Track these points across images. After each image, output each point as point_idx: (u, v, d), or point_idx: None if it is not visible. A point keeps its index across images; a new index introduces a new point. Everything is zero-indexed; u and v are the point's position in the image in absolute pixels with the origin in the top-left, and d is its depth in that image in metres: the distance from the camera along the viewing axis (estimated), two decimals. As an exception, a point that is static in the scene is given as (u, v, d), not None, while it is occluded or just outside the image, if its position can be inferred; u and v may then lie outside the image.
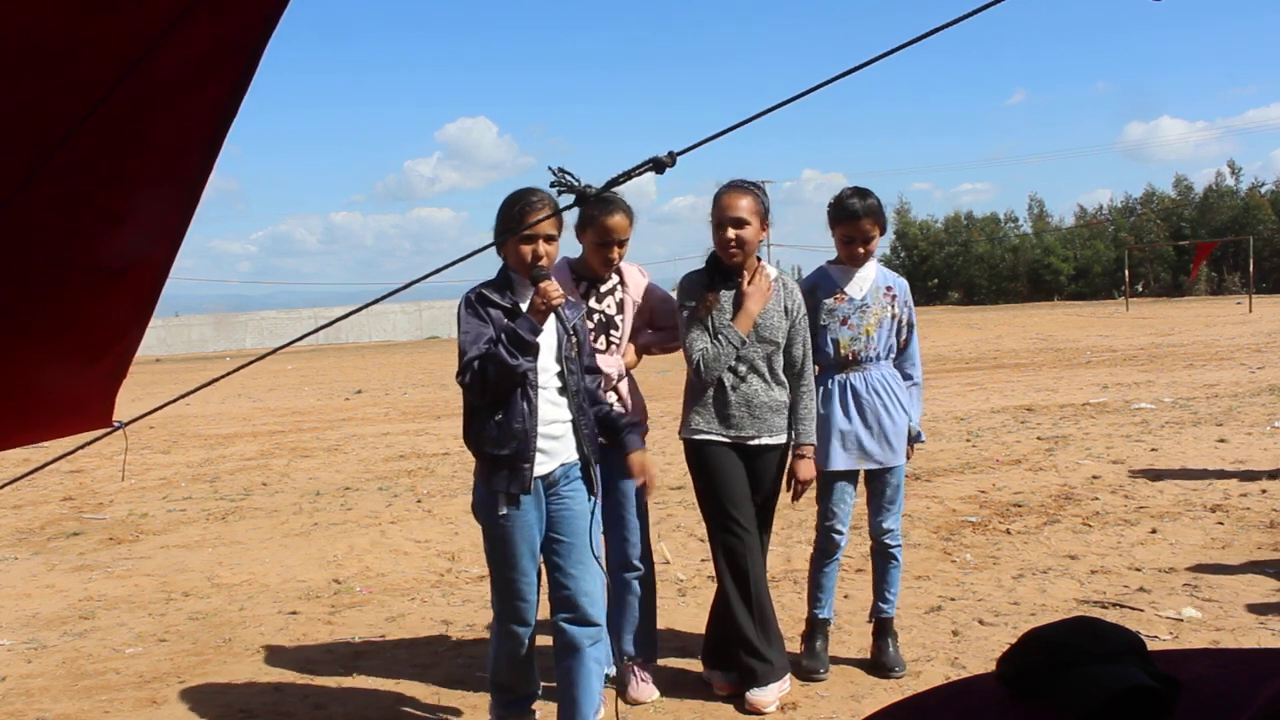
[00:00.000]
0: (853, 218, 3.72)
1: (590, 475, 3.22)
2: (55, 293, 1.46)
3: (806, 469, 3.69)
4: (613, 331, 3.66)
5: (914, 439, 3.91)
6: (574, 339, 3.21)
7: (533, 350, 3.02)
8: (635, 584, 3.76)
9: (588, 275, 3.65)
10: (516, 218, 3.09)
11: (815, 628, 3.93)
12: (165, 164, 1.29)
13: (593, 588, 3.20)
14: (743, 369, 3.59)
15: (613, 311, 3.67)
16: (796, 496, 3.74)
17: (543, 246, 3.08)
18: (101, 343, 1.62)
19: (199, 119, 1.21)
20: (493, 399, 3.06)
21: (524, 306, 3.09)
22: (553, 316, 3.08)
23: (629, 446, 3.28)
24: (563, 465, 3.17)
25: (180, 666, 4.30)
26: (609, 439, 3.34)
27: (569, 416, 3.17)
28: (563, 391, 3.16)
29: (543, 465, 3.11)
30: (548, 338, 3.10)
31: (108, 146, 1.20)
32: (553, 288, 3.02)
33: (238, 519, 7.32)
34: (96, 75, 1.10)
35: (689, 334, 3.65)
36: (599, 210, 3.48)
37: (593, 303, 3.63)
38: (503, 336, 2.99)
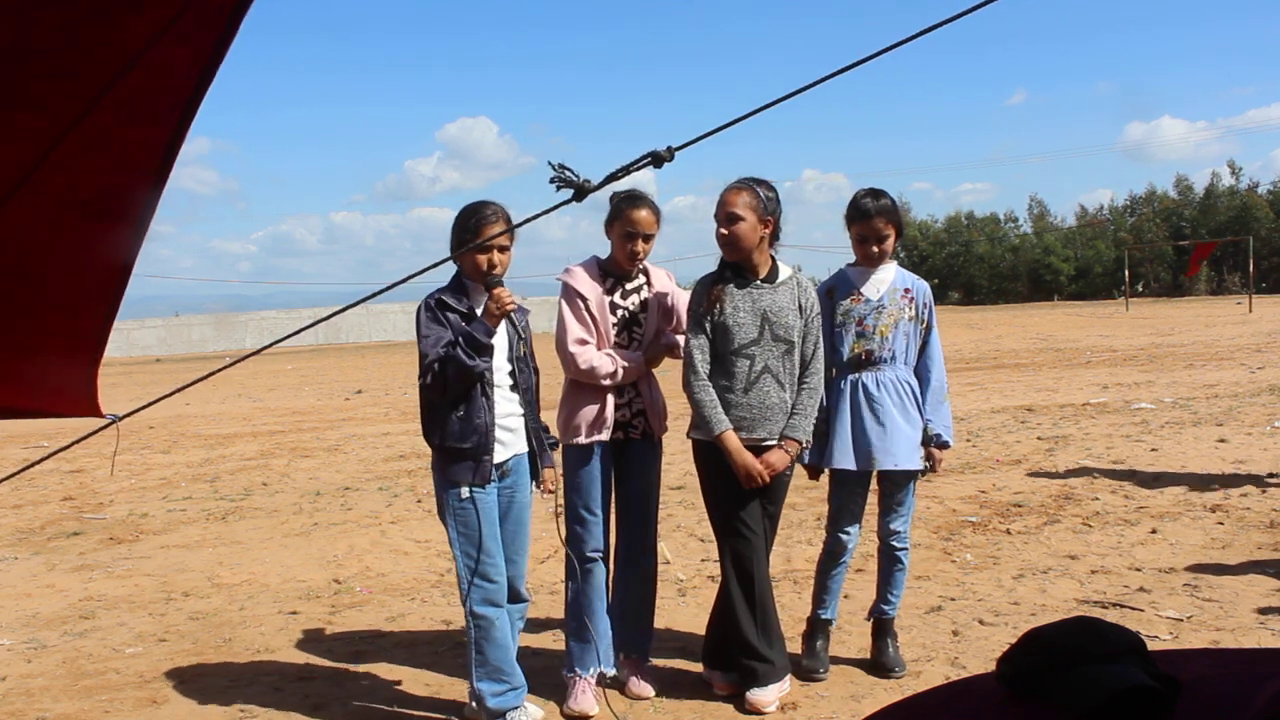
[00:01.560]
0: (865, 216, 3.75)
1: (536, 465, 3.57)
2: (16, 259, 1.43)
3: (779, 459, 3.55)
4: (635, 328, 3.73)
5: (934, 442, 3.83)
6: (523, 339, 3.51)
7: (488, 351, 3.30)
8: (640, 578, 3.79)
9: (614, 272, 3.73)
10: (473, 229, 3.36)
11: (816, 628, 3.92)
12: (137, 124, 1.26)
13: (525, 570, 3.58)
14: (756, 370, 3.57)
15: (636, 309, 3.74)
16: (749, 481, 3.52)
17: (496, 256, 3.35)
18: (71, 325, 1.60)
19: (179, 75, 1.17)
20: (452, 397, 3.32)
21: (479, 311, 3.36)
22: (506, 319, 3.37)
23: (545, 462, 3.61)
24: (515, 456, 3.47)
25: (180, 666, 4.30)
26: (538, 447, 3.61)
27: (520, 411, 3.48)
28: (514, 388, 3.47)
29: (498, 455, 3.40)
30: (500, 339, 3.39)
31: (82, 107, 1.17)
32: (505, 294, 3.30)
33: (238, 519, 7.31)
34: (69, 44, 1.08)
35: (687, 336, 3.65)
36: (626, 204, 3.63)
37: (618, 298, 3.71)
38: (460, 339, 3.24)
